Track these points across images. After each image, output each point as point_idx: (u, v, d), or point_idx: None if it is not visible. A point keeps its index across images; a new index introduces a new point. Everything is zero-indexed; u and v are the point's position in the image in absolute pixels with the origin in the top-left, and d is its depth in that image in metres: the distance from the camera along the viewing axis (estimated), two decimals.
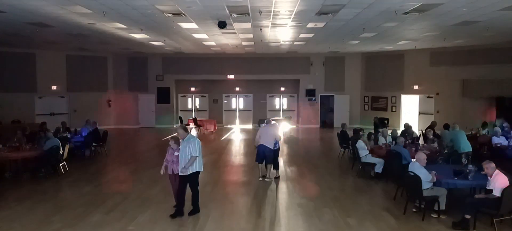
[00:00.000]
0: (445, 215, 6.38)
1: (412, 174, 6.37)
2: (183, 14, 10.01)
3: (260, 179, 9.03)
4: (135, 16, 10.23)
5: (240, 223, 6.30)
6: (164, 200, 7.41)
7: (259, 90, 21.79)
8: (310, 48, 17.91)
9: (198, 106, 22.21)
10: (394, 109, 19.59)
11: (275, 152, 9.18)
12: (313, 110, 21.13)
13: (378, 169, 9.02)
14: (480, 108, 17.05)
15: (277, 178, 9.22)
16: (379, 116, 17.91)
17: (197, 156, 6.29)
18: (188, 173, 6.30)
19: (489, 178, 5.98)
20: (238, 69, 20.68)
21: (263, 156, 8.93)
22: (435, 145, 9.78)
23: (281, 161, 11.05)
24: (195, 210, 6.59)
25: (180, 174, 6.35)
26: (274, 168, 9.28)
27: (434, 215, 6.42)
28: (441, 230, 5.98)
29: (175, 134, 6.34)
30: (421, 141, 11.93)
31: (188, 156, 6.23)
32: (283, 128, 18.35)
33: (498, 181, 5.76)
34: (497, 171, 5.90)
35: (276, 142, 9.11)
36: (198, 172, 6.48)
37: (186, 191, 6.52)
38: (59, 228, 6.03)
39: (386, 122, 17.77)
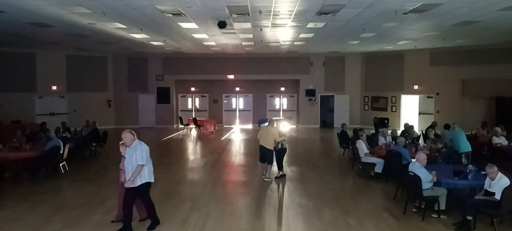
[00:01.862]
0: (445, 215, 6.38)
1: (412, 174, 6.37)
2: (183, 14, 10.01)
3: (263, 177, 9.12)
4: (135, 16, 10.23)
5: (240, 223, 6.30)
6: (164, 200, 7.41)
7: (259, 90, 21.79)
8: (310, 48, 17.91)
9: (198, 106, 22.21)
10: (394, 109, 19.59)
11: (278, 152, 9.16)
12: (313, 110, 21.13)
13: (378, 169, 9.02)
14: (480, 108, 17.06)
15: (278, 178, 9.19)
16: (379, 116, 17.93)
17: (144, 165, 5.57)
18: (137, 185, 5.59)
19: (490, 180, 5.92)
20: (238, 69, 20.68)
21: (262, 155, 9.04)
22: (436, 145, 9.77)
23: None
24: (154, 222, 5.94)
25: (126, 186, 5.61)
26: (278, 168, 9.30)
27: (434, 215, 6.43)
28: (441, 230, 5.98)
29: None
30: (421, 141, 11.93)
31: (135, 165, 5.53)
32: (283, 128, 18.32)
33: (502, 185, 5.70)
34: (500, 174, 5.86)
35: (279, 142, 9.10)
36: (148, 183, 5.75)
37: (133, 205, 5.80)
38: (59, 228, 6.03)
39: (386, 121, 17.78)
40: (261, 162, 9.20)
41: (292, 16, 10.36)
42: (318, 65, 20.74)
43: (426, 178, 6.30)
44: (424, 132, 12.70)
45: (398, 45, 16.51)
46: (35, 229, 6.00)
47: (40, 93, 18.39)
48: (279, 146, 9.14)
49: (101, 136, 12.56)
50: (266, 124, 9.63)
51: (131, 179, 5.52)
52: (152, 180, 5.82)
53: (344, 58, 20.59)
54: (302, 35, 13.80)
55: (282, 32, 13.15)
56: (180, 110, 21.90)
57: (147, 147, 5.70)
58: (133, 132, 5.73)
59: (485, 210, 5.79)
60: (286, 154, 9.72)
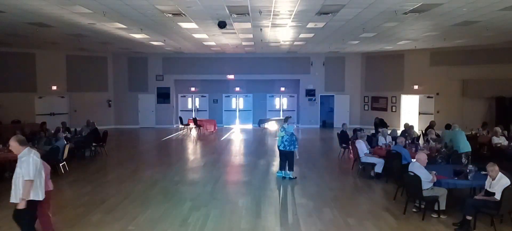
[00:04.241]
0: (445, 215, 6.38)
1: (412, 174, 6.37)
2: (183, 14, 10.01)
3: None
4: (135, 16, 10.23)
5: (240, 223, 6.30)
6: (164, 200, 7.42)
7: (259, 90, 21.79)
8: (310, 48, 17.91)
9: (198, 106, 22.21)
10: (394, 109, 19.59)
11: (281, 152, 9.18)
12: (313, 110, 21.13)
13: (378, 169, 9.02)
14: (480, 108, 17.06)
15: (284, 178, 9.20)
16: (379, 116, 17.90)
17: (32, 180, 4.64)
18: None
19: (491, 180, 5.91)
20: (238, 69, 20.68)
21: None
22: (436, 144, 9.78)
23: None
24: None
25: (11, 200, 4.78)
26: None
27: (434, 215, 6.42)
28: (441, 230, 5.98)
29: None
30: (421, 141, 11.93)
31: (21, 179, 4.65)
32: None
33: (502, 185, 5.69)
34: (500, 174, 5.85)
35: (288, 144, 9.05)
36: (32, 202, 4.72)
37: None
38: (59, 228, 6.03)
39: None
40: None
41: (292, 16, 10.36)
42: (318, 65, 20.74)
43: (426, 178, 6.30)
44: (424, 132, 12.70)
45: (398, 45, 16.51)
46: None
47: (40, 93, 18.39)
48: (283, 145, 9.09)
49: (101, 136, 12.56)
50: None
51: (23, 198, 4.62)
52: (39, 198, 4.82)
53: (344, 58, 20.59)
54: (302, 35, 13.80)
55: (282, 32, 13.15)
56: (180, 110, 21.90)
57: (37, 159, 4.79)
58: (22, 139, 4.90)
59: (485, 210, 5.78)
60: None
